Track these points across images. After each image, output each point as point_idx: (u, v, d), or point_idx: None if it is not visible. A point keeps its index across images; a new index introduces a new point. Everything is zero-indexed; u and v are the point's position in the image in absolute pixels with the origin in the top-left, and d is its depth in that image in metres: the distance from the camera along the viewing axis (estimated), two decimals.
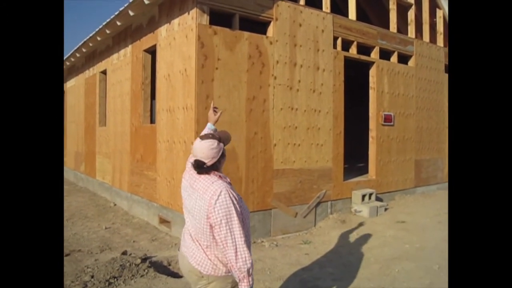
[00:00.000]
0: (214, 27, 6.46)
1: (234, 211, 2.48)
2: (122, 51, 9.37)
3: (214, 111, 3.31)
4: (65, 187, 12.20)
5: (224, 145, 2.79)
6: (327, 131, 7.93)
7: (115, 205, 9.68)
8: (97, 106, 11.25)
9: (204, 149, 2.66)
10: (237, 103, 6.65)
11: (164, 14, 7.37)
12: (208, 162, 2.65)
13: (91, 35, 9.99)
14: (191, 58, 6.44)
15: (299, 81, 7.44)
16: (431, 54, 10.68)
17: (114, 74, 9.92)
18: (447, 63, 11.21)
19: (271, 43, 7.05)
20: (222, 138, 2.78)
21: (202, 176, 2.67)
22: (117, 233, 7.42)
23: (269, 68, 7.02)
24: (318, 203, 7.81)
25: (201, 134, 2.86)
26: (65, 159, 15.02)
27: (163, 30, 7.41)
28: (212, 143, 2.67)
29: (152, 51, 8.17)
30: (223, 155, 2.76)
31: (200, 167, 2.65)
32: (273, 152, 7.11)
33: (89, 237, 7.13)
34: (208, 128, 3.27)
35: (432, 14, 11.22)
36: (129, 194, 8.94)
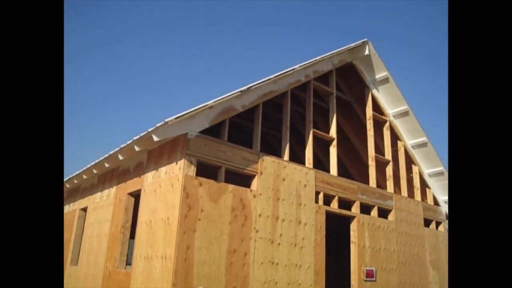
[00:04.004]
0: (200, 178, 6.61)
1: None
2: (106, 191, 9.41)
3: None
4: None
5: None
6: (308, 286, 7.68)
7: None
8: (72, 243, 10.91)
9: None
10: (218, 255, 6.52)
11: (152, 161, 7.58)
12: None
13: (77, 172, 10.12)
14: (175, 207, 6.46)
15: (281, 235, 7.43)
16: (409, 208, 10.94)
17: (94, 212, 9.82)
18: (426, 217, 11.47)
19: (254, 196, 7.19)
20: None
21: None
22: None
23: (251, 221, 7.05)
24: None
25: None
26: None
27: (149, 176, 7.55)
28: None
29: (136, 195, 8.22)
30: None
31: None
32: None
33: None
34: None
35: (409, 170, 11.78)
36: None
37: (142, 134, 6.80)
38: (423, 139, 11.62)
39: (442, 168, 11.90)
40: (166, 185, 6.89)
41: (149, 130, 6.51)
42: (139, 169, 8.01)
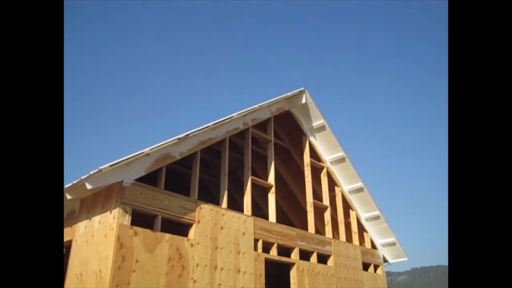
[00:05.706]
0: (135, 228, 6.41)
1: None
2: None
3: None
4: None
5: None
6: None
7: None
8: None
9: None
10: None
11: (85, 210, 7.28)
12: None
13: None
14: (108, 259, 6.18)
15: (219, 285, 7.26)
16: (348, 252, 11.11)
17: None
18: (364, 260, 11.69)
19: (192, 245, 7.04)
20: None
21: None
22: None
23: (188, 271, 6.86)
24: None
25: None
26: None
27: (81, 226, 7.22)
28: None
29: (66, 246, 7.78)
30: None
31: None
32: None
33: None
34: None
35: (346, 215, 12.08)
36: None
37: (74, 182, 6.54)
38: (359, 184, 12.02)
39: (378, 212, 12.30)
40: (99, 235, 6.61)
41: (82, 177, 6.28)
42: (71, 218, 7.64)
